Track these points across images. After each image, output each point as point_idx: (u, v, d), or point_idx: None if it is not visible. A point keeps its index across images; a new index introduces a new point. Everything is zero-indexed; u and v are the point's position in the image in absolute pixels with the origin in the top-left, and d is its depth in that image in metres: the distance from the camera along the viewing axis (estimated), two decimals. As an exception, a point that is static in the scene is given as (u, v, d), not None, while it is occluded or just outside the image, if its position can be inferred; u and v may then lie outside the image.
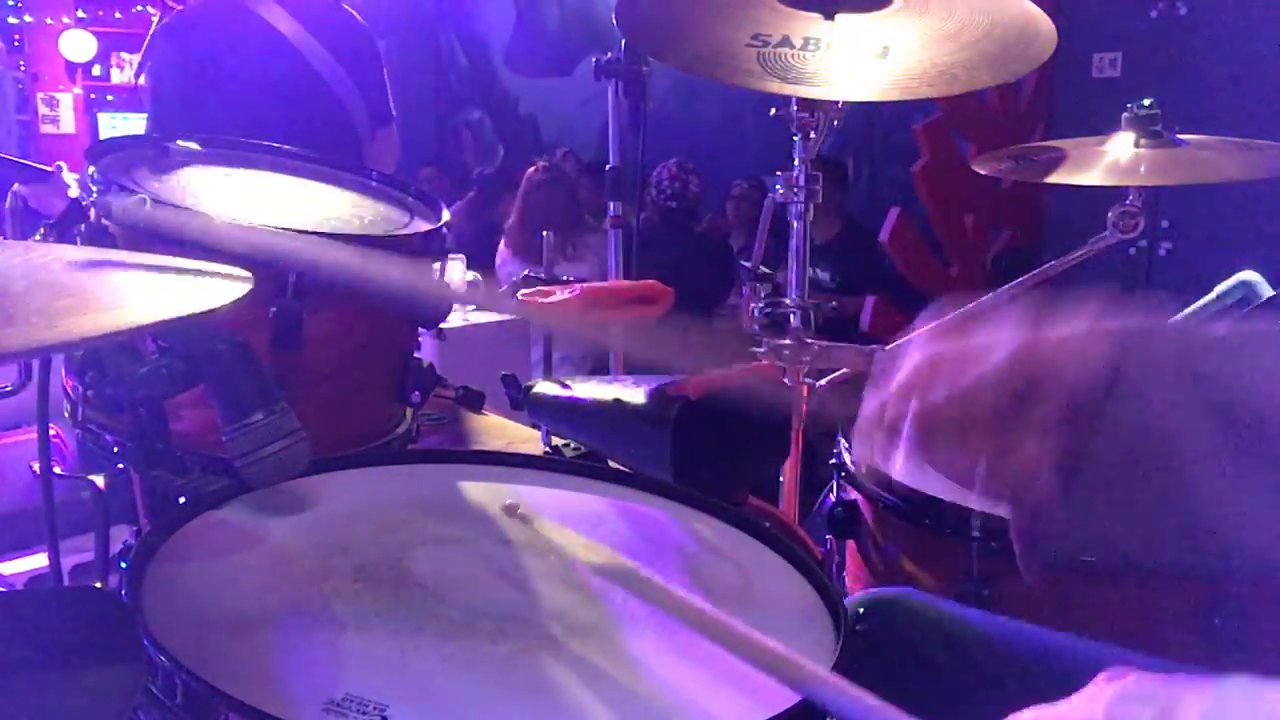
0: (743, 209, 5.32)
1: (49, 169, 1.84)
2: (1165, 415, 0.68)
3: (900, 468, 0.75)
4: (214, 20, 2.67)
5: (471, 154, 7.66)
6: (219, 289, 0.83)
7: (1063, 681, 0.74)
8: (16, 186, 1.68)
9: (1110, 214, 1.92)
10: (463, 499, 1.22)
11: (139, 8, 8.99)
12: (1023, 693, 0.74)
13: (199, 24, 2.67)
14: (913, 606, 1.12)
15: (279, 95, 2.60)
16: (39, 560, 2.13)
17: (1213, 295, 3.15)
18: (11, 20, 8.77)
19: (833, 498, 1.57)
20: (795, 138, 1.82)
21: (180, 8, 2.70)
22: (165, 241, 1.27)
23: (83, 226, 1.35)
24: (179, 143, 1.59)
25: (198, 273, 0.89)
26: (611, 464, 1.41)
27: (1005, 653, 1.05)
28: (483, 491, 1.24)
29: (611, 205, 2.49)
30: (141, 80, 2.86)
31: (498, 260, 4.58)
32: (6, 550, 2.18)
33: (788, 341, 1.87)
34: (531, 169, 4.81)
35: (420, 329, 1.53)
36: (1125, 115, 1.87)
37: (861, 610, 1.05)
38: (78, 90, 8.70)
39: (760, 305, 1.87)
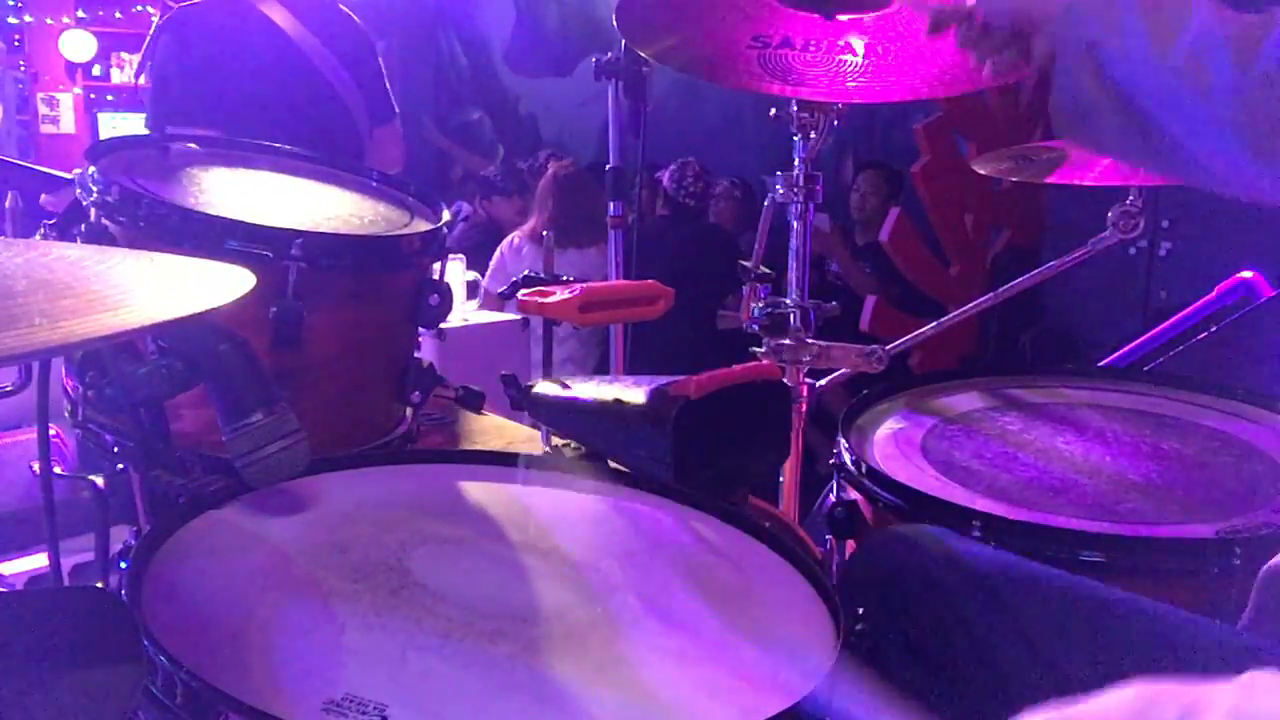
0: (723, 208, 5.36)
1: (69, 175, 1.84)
2: None
3: None
4: (216, 16, 2.67)
5: (464, 161, 7.64)
6: (219, 289, 0.83)
7: (1082, 618, 0.74)
8: (44, 198, 1.68)
9: (1110, 214, 1.92)
10: (463, 499, 1.22)
11: (139, 8, 8.98)
12: (1042, 629, 0.75)
13: (202, 20, 2.66)
14: (931, 540, 1.12)
15: (281, 92, 2.60)
16: (39, 560, 2.12)
17: (1213, 295, 3.15)
18: (11, 20, 8.76)
19: (833, 498, 1.57)
20: (795, 138, 1.82)
21: (182, 6, 2.69)
22: (165, 241, 1.28)
23: (83, 226, 1.35)
24: (179, 143, 1.59)
25: (198, 273, 0.89)
26: (611, 464, 1.41)
27: (1024, 587, 1.05)
28: (483, 491, 1.24)
29: (611, 205, 2.49)
30: (141, 80, 2.85)
31: (511, 255, 4.57)
32: (6, 550, 2.18)
33: (788, 341, 1.87)
34: (553, 164, 4.83)
35: (420, 329, 1.53)
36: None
37: (861, 611, 1.05)
38: (78, 90, 8.69)
39: (760, 305, 1.87)
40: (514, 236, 4.70)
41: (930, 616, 1.05)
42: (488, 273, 4.48)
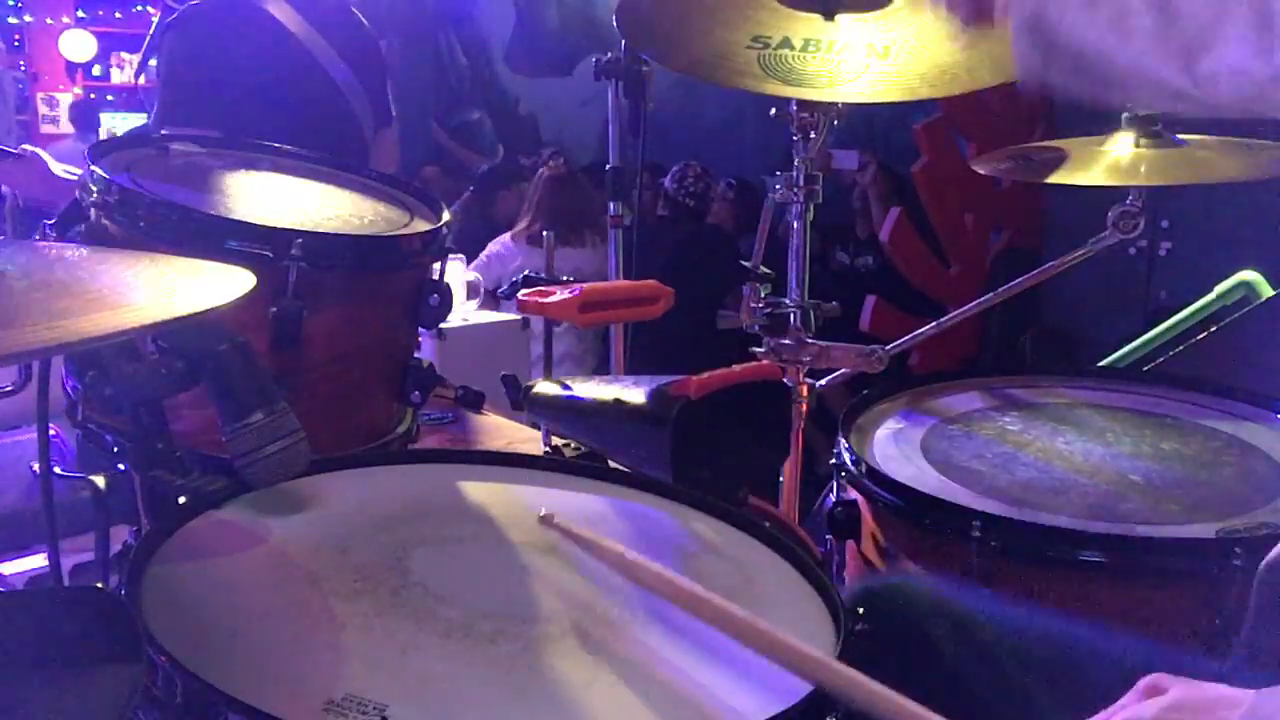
0: (718, 208, 5.39)
1: (14, 150, 1.84)
2: None
3: None
4: (222, 16, 2.66)
5: (467, 158, 7.66)
6: (219, 289, 0.83)
7: (1069, 667, 0.75)
8: None
9: (1110, 214, 1.92)
10: (463, 499, 1.22)
11: (139, 8, 9.00)
12: (1027, 677, 0.76)
13: (207, 20, 2.66)
14: (916, 592, 1.13)
15: (286, 92, 2.59)
16: (39, 560, 2.12)
17: (1213, 295, 3.16)
18: (11, 20, 8.78)
19: (833, 498, 1.57)
20: (795, 138, 1.82)
21: (184, 7, 2.69)
22: (165, 241, 1.28)
23: (83, 226, 1.35)
24: (179, 143, 1.59)
25: (198, 273, 0.89)
26: (611, 464, 1.40)
27: (1010, 636, 1.06)
28: (483, 491, 1.24)
29: (611, 205, 2.49)
30: (141, 80, 2.85)
31: (501, 254, 4.57)
32: (6, 550, 2.18)
33: (788, 341, 1.86)
34: (544, 168, 4.84)
35: (420, 329, 1.53)
36: (1125, 115, 1.87)
37: (861, 610, 1.05)
38: (78, 90, 8.70)
39: (760, 305, 1.87)
40: (504, 236, 4.71)
41: (918, 665, 1.06)
42: (471, 264, 4.48)
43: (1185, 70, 0.93)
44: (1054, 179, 1.92)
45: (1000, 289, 2.19)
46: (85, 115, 7.82)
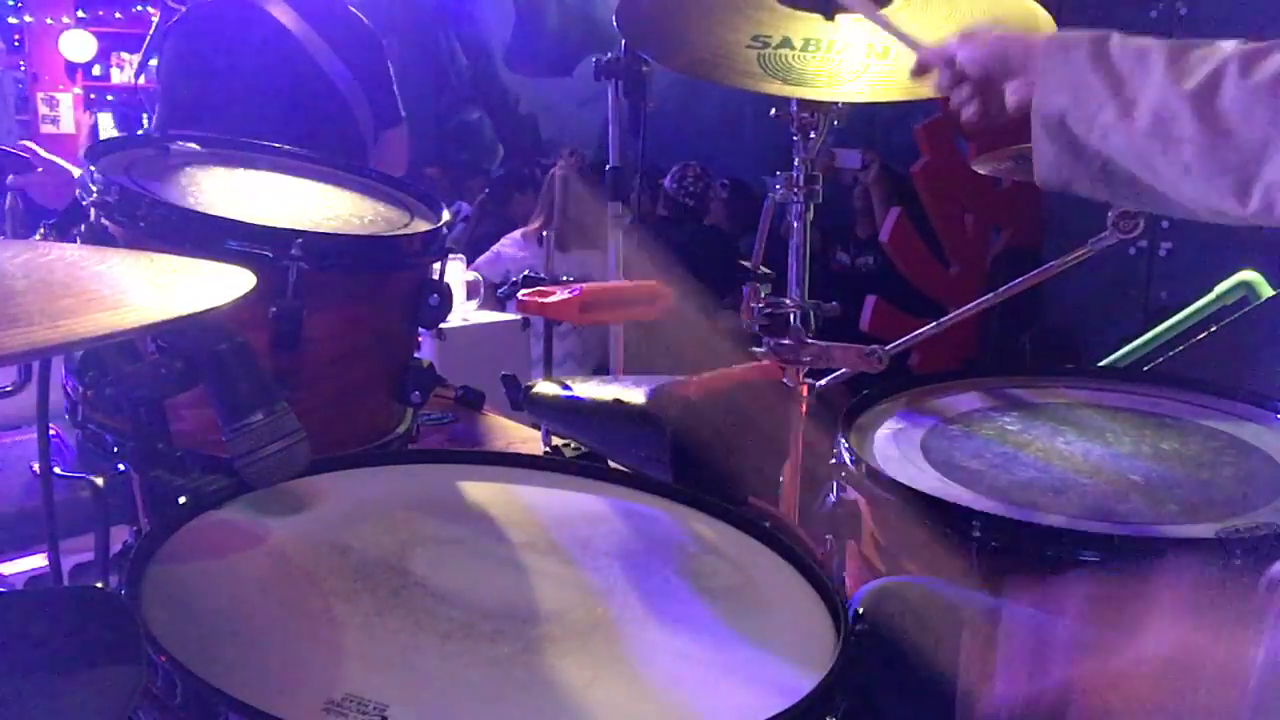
0: (717, 210, 5.41)
1: (25, 155, 1.83)
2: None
3: None
4: (222, 16, 2.67)
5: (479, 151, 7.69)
6: (219, 289, 0.83)
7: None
8: (10, 179, 1.68)
9: (1110, 214, 1.92)
10: (463, 499, 1.23)
11: (139, 8, 8.99)
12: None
13: (207, 20, 2.66)
14: (922, 594, 1.13)
15: (284, 93, 2.60)
16: (39, 560, 2.12)
17: (1213, 295, 3.16)
18: (11, 20, 8.77)
19: (833, 498, 1.57)
20: (795, 138, 1.82)
21: (184, 8, 2.69)
22: (165, 241, 1.28)
23: (83, 226, 1.35)
24: (179, 143, 1.59)
25: (198, 273, 0.89)
26: (611, 464, 1.40)
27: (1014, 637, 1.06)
28: (483, 491, 1.24)
29: (611, 205, 2.49)
30: (141, 80, 2.85)
31: (510, 251, 4.58)
32: (6, 550, 2.18)
33: (788, 341, 1.86)
34: (556, 166, 4.86)
35: (420, 329, 1.53)
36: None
37: (861, 611, 1.05)
38: (78, 90, 8.69)
39: (760, 305, 1.87)
40: (515, 233, 4.72)
41: (926, 671, 1.05)
42: (480, 259, 4.49)
43: (1239, 187, 0.87)
44: (1054, 179, 1.91)
45: (1000, 289, 2.19)
46: (127, 117, 7.84)
